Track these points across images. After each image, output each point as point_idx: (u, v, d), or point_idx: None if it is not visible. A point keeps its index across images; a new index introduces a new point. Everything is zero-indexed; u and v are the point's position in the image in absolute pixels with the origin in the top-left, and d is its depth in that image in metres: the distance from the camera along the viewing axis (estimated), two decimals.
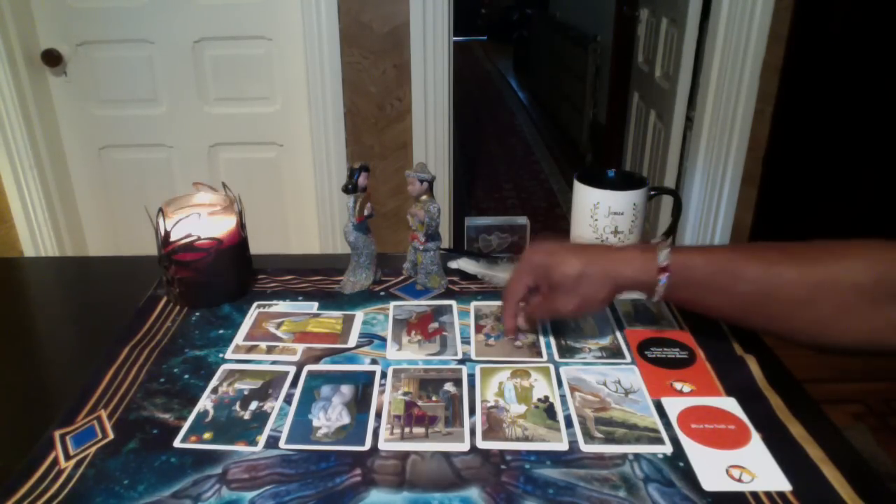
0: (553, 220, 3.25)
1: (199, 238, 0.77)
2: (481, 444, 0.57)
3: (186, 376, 0.67)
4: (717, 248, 0.64)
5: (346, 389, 0.65)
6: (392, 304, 0.81)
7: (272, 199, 2.06)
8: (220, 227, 0.79)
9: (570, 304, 0.66)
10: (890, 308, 0.56)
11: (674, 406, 0.62)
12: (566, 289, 0.66)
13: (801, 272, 0.58)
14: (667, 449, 0.56)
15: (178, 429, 0.59)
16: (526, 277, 0.70)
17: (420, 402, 0.63)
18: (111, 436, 0.58)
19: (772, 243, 0.62)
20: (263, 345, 0.72)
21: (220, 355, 0.71)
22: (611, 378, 0.66)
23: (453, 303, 0.81)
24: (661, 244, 0.64)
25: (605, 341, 0.73)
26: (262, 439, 0.58)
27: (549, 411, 0.61)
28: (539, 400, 0.63)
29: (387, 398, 0.63)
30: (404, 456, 0.56)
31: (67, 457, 0.56)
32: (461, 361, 0.69)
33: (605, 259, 0.65)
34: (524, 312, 0.72)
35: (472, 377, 0.66)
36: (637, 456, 0.56)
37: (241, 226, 0.82)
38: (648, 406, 0.62)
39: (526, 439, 0.58)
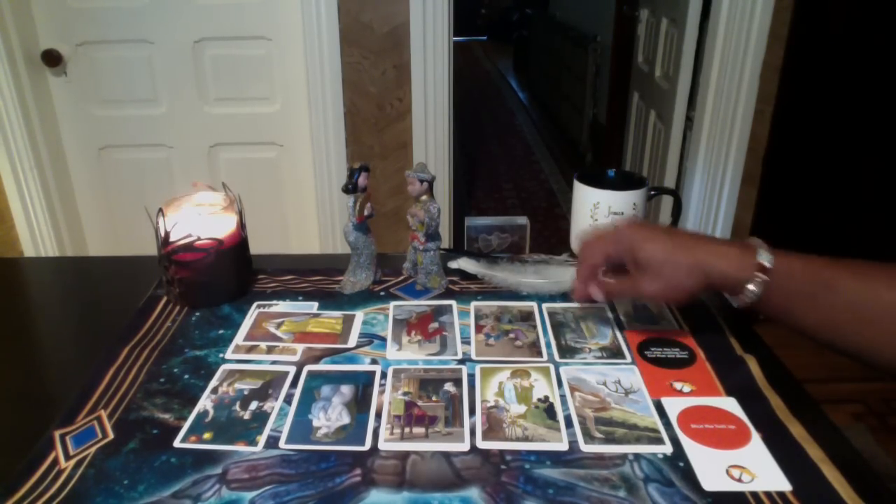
0: (553, 220, 3.25)
1: (199, 238, 0.77)
2: (481, 444, 0.57)
3: (186, 376, 0.67)
4: (815, 257, 0.59)
5: (346, 389, 0.65)
6: (392, 304, 0.81)
7: (272, 199, 2.06)
8: (220, 227, 0.79)
9: (653, 287, 0.63)
10: None
11: (674, 406, 0.62)
12: (652, 271, 0.63)
13: None
14: (667, 449, 0.56)
15: (178, 429, 0.59)
16: (609, 246, 0.66)
17: (420, 402, 0.62)
18: (111, 436, 0.58)
19: (875, 262, 0.58)
20: (263, 345, 0.72)
21: (220, 355, 0.71)
22: (611, 378, 0.66)
23: (453, 303, 0.81)
24: (759, 243, 0.61)
25: (605, 341, 0.73)
26: (262, 439, 0.58)
27: (549, 411, 0.61)
28: (539, 400, 0.63)
29: (387, 398, 0.63)
30: (404, 456, 0.56)
31: (67, 457, 0.56)
32: (461, 361, 0.69)
33: (699, 248, 0.62)
34: (604, 285, 0.68)
35: (472, 377, 0.66)
36: (637, 456, 0.56)
37: (242, 226, 0.82)
38: (648, 406, 0.62)
39: (526, 439, 0.58)
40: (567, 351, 0.71)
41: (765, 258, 0.59)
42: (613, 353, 0.71)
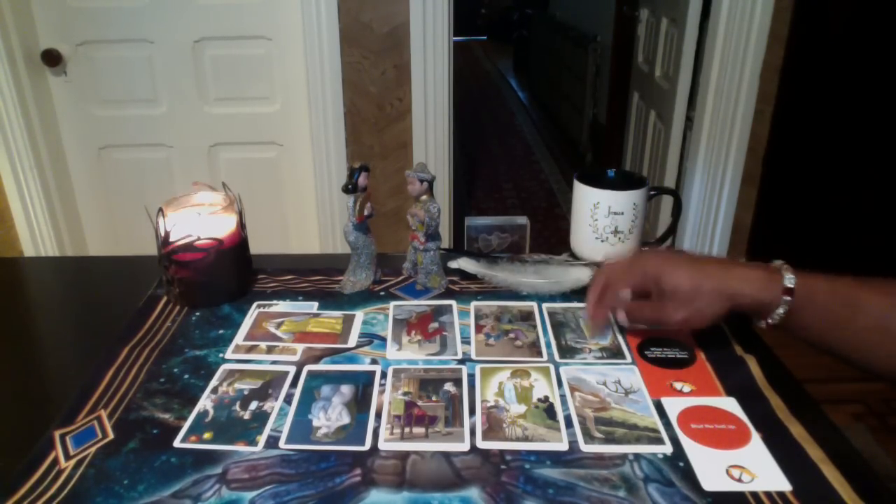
0: (553, 220, 3.25)
1: (199, 238, 0.77)
2: (481, 444, 0.57)
3: (186, 376, 0.67)
4: (840, 277, 0.60)
5: (346, 389, 0.65)
6: (392, 304, 0.81)
7: (272, 199, 2.06)
8: (220, 227, 0.79)
9: (678, 314, 0.64)
10: None
11: (674, 406, 0.62)
12: (678, 299, 0.63)
13: None
14: (667, 449, 0.56)
15: (178, 429, 0.59)
16: (633, 279, 0.67)
17: (420, 402, 0.62)
18: (111, 436, 0.58)
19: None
20: (263, 345, 0.72)
21: (220, 355, 0.71)
22: (611, 378, 0.66)
23: (453, 303, 0.81)
24: (784, 266, 0.61)
25: (605, 341, 0.73)
26: (262, 439, 0.58)
27: (549, 411, 0.61)
28: (539, 400, 0.63)
29: (387, 398, 0.63)
30: (404, 456, 0.56)
31: (67, 457, 0.56)
32: (461, 361, 0.69)
33: (724, 274, 0.63)
34: (626, 310, 0.69)
35: (472, 377, 0.66)
36: (637, 456, 0.56)
37: (242, 226, 0.82)
38: (648, 406, 0.62)
39: (526, 439, 0.58)
40: (567, 351, 0.71)
41: (789, 281, 0.60)
42: (613, 353, 0.71)
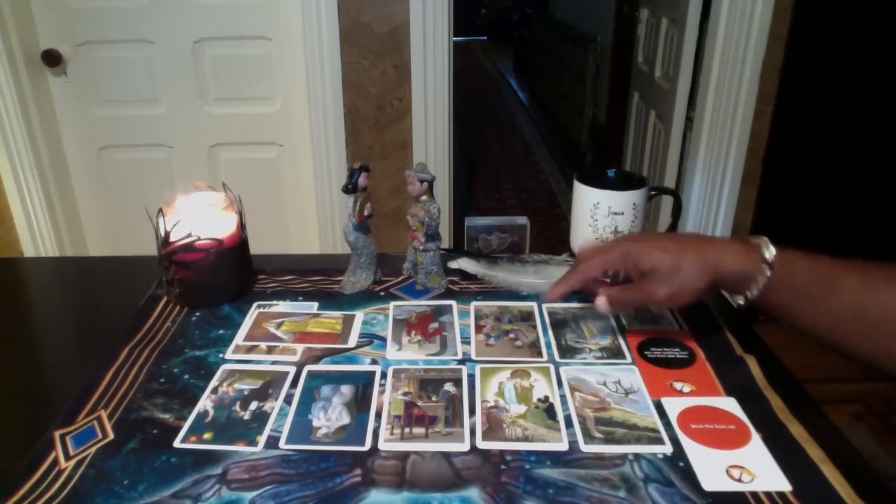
0: (553, 220, 3.26)
1: (199, 238, 0.77)
2: (481, 444, 0.57)
3: (186, 376, 0.67)
4: (820, 256, 0.60)
5: (346, 389, 0.65)
6: (392, 304, 0.81)
7: (272, 199, 2.06)
8: (220, 227, 0.79)
9: (663, 291, 0.63)
10: None
11: (674, 406, 0.62)
12: (660, 277, 0.63)
13: None
14: (667, 449, 0.56)
15: (178, 429, 0.59)
16: (609, 261, 0.66)
17: (420, 402, 0.62)
18: (111, 436, 0.58)
19: (880, 264, 0.58)
20: (263, 345, 0.72)
21: (220, 355, 0.71)
22: (611, 378, 0.66)
23: (453, 303, 0.81)
24: (764, 240, 0.61)
25: (606, 341, 0.73)
26: (262, 439, 0.58)
27: (549, 411, 0.61)
28: (539, 400, 0.63)
29: (387, 398, 0.63)
30: (404, 456, 0.56)
31: (67, 457, 0.56)
32: (461, 361, 0.69)
33: (703, 248, 0.63)
34: (609, 294, 0.67)
35: (472, 377, 0.66)
36: (637, 456, 0.56)
37: (242, 226, 0.82)
38: (648, 406, 0.62)
39: (526, 439, 0.58)
40: (567, 351, 0.71)
41: (769, 253, 0.60)
42: (613, 353, 0.71)
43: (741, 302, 0.63)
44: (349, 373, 0.68)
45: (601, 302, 0.68)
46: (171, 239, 0.76)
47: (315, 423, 0.60)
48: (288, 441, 0.58)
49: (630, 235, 0.67)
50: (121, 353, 0.70)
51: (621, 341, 0.72)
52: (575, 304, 0.79)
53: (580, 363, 0.69)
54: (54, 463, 0.55)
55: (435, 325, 0.76)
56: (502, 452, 0.56)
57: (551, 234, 3.06)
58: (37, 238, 1.93)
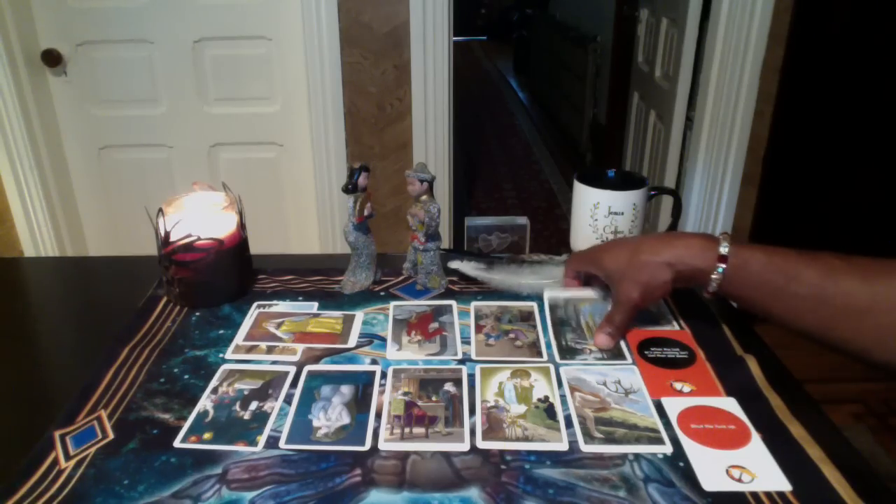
0: (553, 220, 3.26)
1: (199, 238, 0.77)
2: (481, 444, 0.57)
3: (186, 376, 0.67)
4: (779, 249, 0.62)
5: (346, 389, 0.65)
6: (392, 304, 0.81)
7: (272, 199, 2.06)
8: (220, 227, 0.79)
9: (633, 292, 0.67)
10: None
11: (674, 406, 0.62)
12: (624, 280, 0.67)
13: (862, 281, 0.57)
14: (667, 449, 0.56)
15: (178, 429, 0.59)
16: (580, 266, 0.75)
17: (420, 402, 0.62)
18: (111, 436, 0.58)
19: (837, 253, 0.60)
20: (263, 345, 0.72)
21: (220, 355, 0.71)
22: (611, 378, 0.66)
23: (453, 303, 0.81)
24: (723, 235, 0.63)
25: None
26: (262, 439, 0.58)
27: (549, 411, 0.61)
28: (539, 400, 0.63)
29: (387, 398, 0.63)
30: (404, 456, 0.56)
31: (67, 457, 0.56)
32: (461, 361, 0.69)
33: (660, 245, 0.66)
34: (602, 330, 0.71)
35: (472, 377, 0.66)
36: (637, 456, 0.56)
37: (242, 226, 0.82)
38: (648, 406, 0.62)
39: (526, 439, 0.58)
40: (567, 352, 0.71)
41: (724, 249, 0.62)
42: (614, 354, 0.71)
43: (706, 295, 0.65)
44: (349, 373, 0.68)
45: (599, 339, 0.71)
46: (171, 239, 0.76)
47: (315, 423, 0.60)
48: (288, 441, 0.58)
49: (602, 243, 0.73)
50: (121, 353, 0.70)
51: (622, 342, 0.72)
52: (577, 296, 0.79)
53: (580, 363, 0.69)
54: (54, 463, 0.55)
55: (435, 325, 0.76)
56: (502, 452, 0.56)
57: (551, 235, 3.06)
58: (37, 238, 1.93)
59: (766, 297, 0.62)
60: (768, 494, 0.51)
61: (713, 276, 0.63)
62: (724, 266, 0.62)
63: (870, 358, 0.58)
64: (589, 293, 0.79)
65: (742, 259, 0.62)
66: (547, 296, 0.79)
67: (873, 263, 0.58)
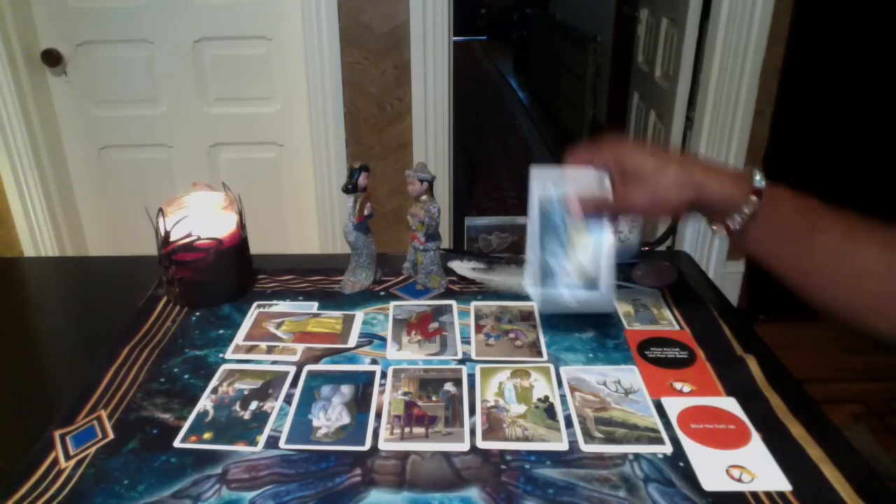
0: None
1: (199, 238, 0.77)
2: (481, 444, 0.57)
3: (186, 376, 0.67)
4: (807, 196, 0.58)
5: (346, 389, 0.65)
6: (392, 304, 0.81)
7: (272, 199, 2.06)
8: (220, 227, 0.79)
9: (643, 198, 0.61)
10: None
11: (674, 406, 0.62)
12: (641, 181, 0.61)
13: (882, 246, 0.55)
14: (667, 449, 0.56)
15: (178, 429, 0.59)
16: (595, 153, 0.64)
17: (420, 402, 0.62)
18: (111, 436, 0.58)
19: (860, 215, 0.57)
20: (263, 345, 0.72)
21: (220, 355, 0.71)
22: (611, 378, 0.66)
23: (453, 303, 0.81)
24: (754, 169, 0.59)
25: (586, 263, 0.67)
26: (262, 439, 0.58)
27: (549, 411, 0.61)
28: (539, 400, 0.63)
29: (387, 398, 0.63)
30: (404, 456, 0.56)
31: (67, 457, 0.56)
32: (461, 361, 0.69)
33: (691, 164, 0.60)
34: (582, 202, 0.65)
35: (472, 377, 0.66)
36: (637, 456, 0.56)
37: (242, 226, 0.82)
38: (648, 406, 0.62)
39: (526, 439, 0.58)
40: (546, 276, 0.67)
41: (759, 182, 0.58)
42: (591, 284, 0.67)
43: (723, 232, 0.61)
44: (349, 373, 0.68)
45: (575, 206, 0.65)
46: (171, 239, 0.76)
47: (315, 422, 0.60)
48: (288, 441, 0.58)
49: (621, 137, 0.65)
50: (121, 353, 0.70)
51: (604, 267, 0.67)
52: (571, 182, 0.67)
53: (579, 357, 0.69)
54: (54, 463, 0.55)
55: (435, 324, 0.76)
56: (502, 452, 0.56)
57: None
58: (37, 238, 1.93)
59: (786, 241, 0.58)
60: (768, 494, 0.51)
61: (744, 210, 0.57)
62: (756, 199, 0.57)
63: (868, 324, 0.56)
64: (586, 174, 0.66)
65: (775, 195, 0.57)
66: (534, 176, 0.68)
67: (891, 230, 0.56)
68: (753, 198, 0.57)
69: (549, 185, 0.68)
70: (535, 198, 0.68)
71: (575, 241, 0.67)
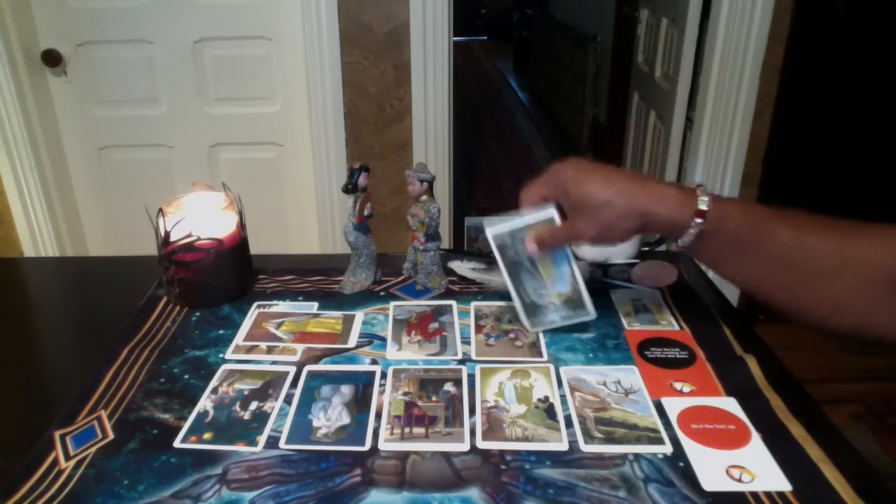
0: None
1: (199, 238, 0.77)
2: (481, 444, 0.57)
3: (186, 376, 0.67)
4: (754, 206, 0.60)
5: (346, 389, 0.65)
6: (392, 304, 0.81)
7: (272, 199, 2.06)
8: (220, 227, 0.79)
9: (589, 230, 0.63)
10: None
11: (674, 406, 0.62)
12: (588, 213, 0.62)
13: (834, 243, 0.56)
14: (667, 449, 0.56)
15: (178, 429, 0.59)
16: (545, 187, 0.66)
17: (420, 402, 0.62)
18: (111, 436, 0.58)
19: (809, 213, 0.58)
20: (263, 345, 0.72)
21: (220, 355, 0.71)
22: (611, 378, 0.66)
23: (453, 303, 0.81)
24: (700, 188, 0.60)
25: (565, 289, 0.71)
26: (262, 439, 0.58)
27: (549, 411, 0.61)
28: (539, 400, 0.63)
29: (387, 398, 0.63)
30: (404, 456, 0.56)
31: (67, 457, 0.56)
32: (461, 361, 0.69)
33: (638, 191, 0.61)
34: (536, 236, 0.67)
35: (472, 377, 0.66)
36: (637, 456, 0.56)
37: (242, 226, 0.82)
38: (648, 406, 0.62)
39: (526, 439, 0.58)
40: (533, 311, 0.72)
41: (703, 203, 0.59)
42: (575, 304, 0.71)
43: (674, 248, 0.62)
44: (349, 373, 0.68)
45: (529, 243, 0.67)
46: (171, 239, 0.76)
47: (315, 423, 0.60)
48: (288, 441, 0.58)
49: (571, 162, 0.65)
50: (121, 353, 0.70)
51: (581, 287, 0.70)
52: (522, 222, 0.69)
53: (579, 362, 0.69)
54: (54, 463, 0.55)
55: (435, 325, 0.76)
56: (502, 452, 0.56)
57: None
58: (37, 238, 1.93)
59: (736, 255, 0.60)
60: (768, 494, 0.51)
61: (689, 231, 0.59)
62: (701, 221, 0.59)
63: (829, 324, 0.57)
64: (535, 217, 0.68)
65: (720, 214, 0.59)
66: (490, 234, 0.70)
67: (847, 226, 0.57)
68: (698, 220, 0.59)
69: (506, 234, 0.70)
70: (495, 249, 0.71)
71: (546, 274, 0.71)
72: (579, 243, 0.67)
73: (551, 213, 0.67)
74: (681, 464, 0.55)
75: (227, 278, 0.81)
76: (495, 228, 0.70)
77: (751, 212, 0.60)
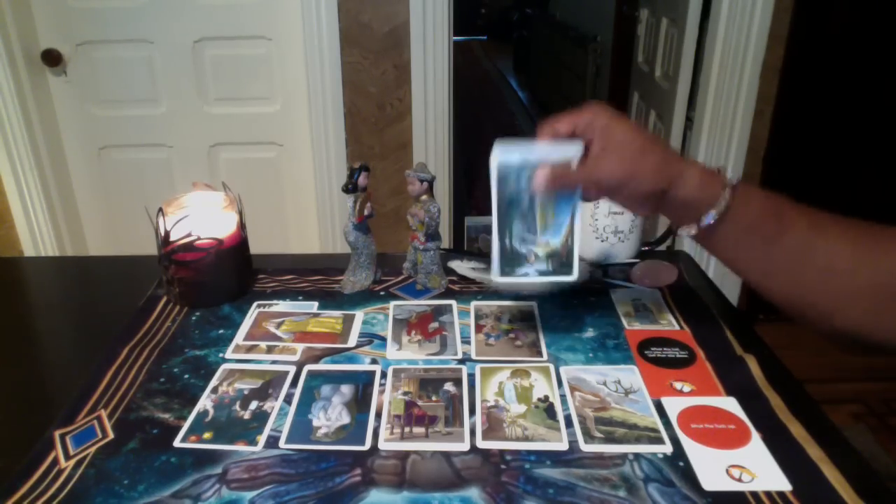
0: None
1: (199, 238, 0.77)
2: (481, 444, 0.57)
3: (186, 376, 0.67)
4: (778, 196, 0.57)
5: (346, 389, 0.65)
6: (392, 303, 0.81)
7: (272, 199, 2.06)
8: (220, 227, 0.79)
9: (615, 172, 0.57)
10: None
11: (674, 406, 0.62)
12: (619, 156, 0.58)
13: (850, 242, 0.55)
14: (667, 449, 0.56)
15: (178, 429, 0.59)
16: (573, 123, 0.61)
17: (420, 402, 0.62)
18: (111, 436, 0.58)
19: (835, 216, 0.57)
20: (263, 344, 0.72)
21: (220, 355, 0.71)
22: (611, 378, 0.66)
23: (453, 303, 0.81)
24: (722, 167, 0.58)
25: (557, 241, 0.64)
26: (262, 439, 0.58)
27: (549, 411, 0.61)
28: (539, 400, 0.63)
29: (387, 398, 0.63)
30: (404, 456, 0.56)
31: (67, 457, 0.56)
32: (461, 361, 0.69)
33: (673, 157, 0.58)
34: (552, 169, 0.60)
35: (472, 377, 0.66)
36: (637, 456, 0.56)
37: (242, 226, 0.82)
38: (648, 406, 0.62)
39: (526, 439, 0.58)
40: (511, 261, 0.65)
41: (732, 179, 0.57)
42: (560, 263, 0.64)
43: (692, 232, 0.58)
44: (349, 372, 0.68)
45: (539, 176, 0.61)
46: (171, 238, 0.76)
47: (315, 422, 0.60)
48: (288, 441, 0.58)
49: (606, 106, 0.61)
50: (121, 353, 0.70)
51: (574, 245, 0.65)
52: (537, 155, 0.63)
53: (579, 362, 0.69)
54: (54, 463, 0.55)
55: (435, 324, 0.76)
56: (502, 452, 0.56)
57: None
58: (37, 238, 1.93)
59: (753, 241, 0.57)
60: (768, 494, 0.51)
61: (711, 210, 0.56)
62: (729, 195, 0.56)
63: (830, 323, 0.56)
64: (557, 151, 0.61)
65: (745, 193, 0.57)
66: (497, 160, 0.62)
67: (862, 226, 0.56)
68: (727, 193, 0.56)
69: (514, 156, 0.62)
70: (495, 178, 0.62)
71: (541, 221, 0.63)
72: (590, 195, 0.60)
73: (579, 149, 0.59)
74: (681, 463, 0.55)
75: (227, 278, 0.81)
76: (505, 155, 0.61)
77: (774, 198, 0.58)
